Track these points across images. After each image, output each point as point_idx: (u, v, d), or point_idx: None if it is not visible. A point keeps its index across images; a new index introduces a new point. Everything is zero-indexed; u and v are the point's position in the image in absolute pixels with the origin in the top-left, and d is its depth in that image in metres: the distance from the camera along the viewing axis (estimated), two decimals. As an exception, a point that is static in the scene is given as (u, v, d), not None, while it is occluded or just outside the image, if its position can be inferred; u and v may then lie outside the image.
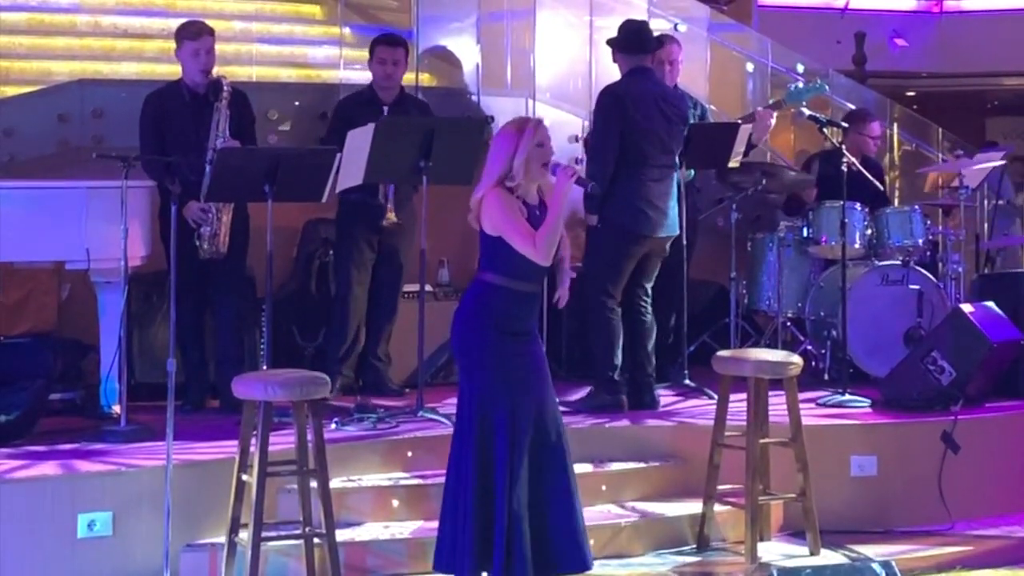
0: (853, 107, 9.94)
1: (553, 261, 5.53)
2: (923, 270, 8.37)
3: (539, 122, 5.59)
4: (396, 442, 6.56)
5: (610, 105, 7.29)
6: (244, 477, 5.58)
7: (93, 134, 8.04)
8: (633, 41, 7.41)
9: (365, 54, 7.98)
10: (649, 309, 7.45)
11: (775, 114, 8.27)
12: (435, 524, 6.01)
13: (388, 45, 7.83)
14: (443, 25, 9.50)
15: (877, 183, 8.66)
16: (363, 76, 8.05)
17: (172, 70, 7.64)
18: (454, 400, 7.43)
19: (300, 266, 8.25)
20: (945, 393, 7.26)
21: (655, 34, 7.82)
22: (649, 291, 7.46)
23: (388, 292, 7.82)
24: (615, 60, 7.52)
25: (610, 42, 7.53)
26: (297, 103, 8.59)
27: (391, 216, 7.46)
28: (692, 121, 7.70)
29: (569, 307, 8.03)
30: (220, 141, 6.99)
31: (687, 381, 7.85)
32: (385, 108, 7.68)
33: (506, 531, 5.38)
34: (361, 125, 7.10)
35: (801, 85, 8.56)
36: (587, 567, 5.53)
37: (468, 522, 5.42)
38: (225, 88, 7.07)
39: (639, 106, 7.24)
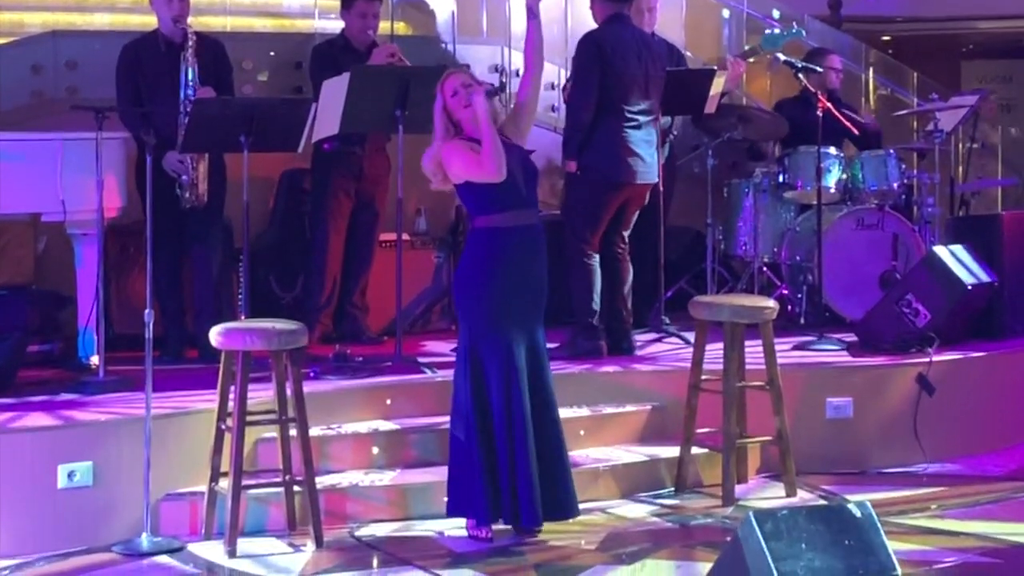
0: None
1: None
2: (898, 214, 8.42)
3: (448, 75, 5.75)
4: (375, 390, 6.59)
5: (590, 52, 7.26)
6: (223, 426, 5.60)
7: (67, 85, 8.01)
8: None
9: (337, 3, 7.94)
10: (627, 256, 7.47)
11: (746, 62, 8.28)
12: (414, 471, 6.11)
13: (370, 0, 7.80)
14: (418, -26, 9.47)
15: (859, 122, 8.69)
16: (338, 25, 8.02)
17: (145, 20, 7.61)
18: (432, 348, 7.54)
19: (277, 216, 8.25)
20: (920, 335, 7.30)
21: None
22: (627, 238, 7.47)
23: (364, 240, 7.84)
24: (592, 7, 7.49)
25: None
26: (272, 53, 8.55)
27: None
28: (669, 68, 7.69)
29: (547, 255, 8.11)
30: (191, 91, 6.97)
31: (664, 326, 7.90)
32: (361, 56, 7.65)
33: (523, 481, 5.49)
34: (346, 71, 7.14)
35: (777, 31, 8.56)
36: (576, 512, 5.76)
37: (479, 474, 5.55)
38: (190, 37, 7.04)
39: (618, 53, 7.22)
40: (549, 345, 7.22)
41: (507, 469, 5.53)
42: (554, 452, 5.70)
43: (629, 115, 7.23)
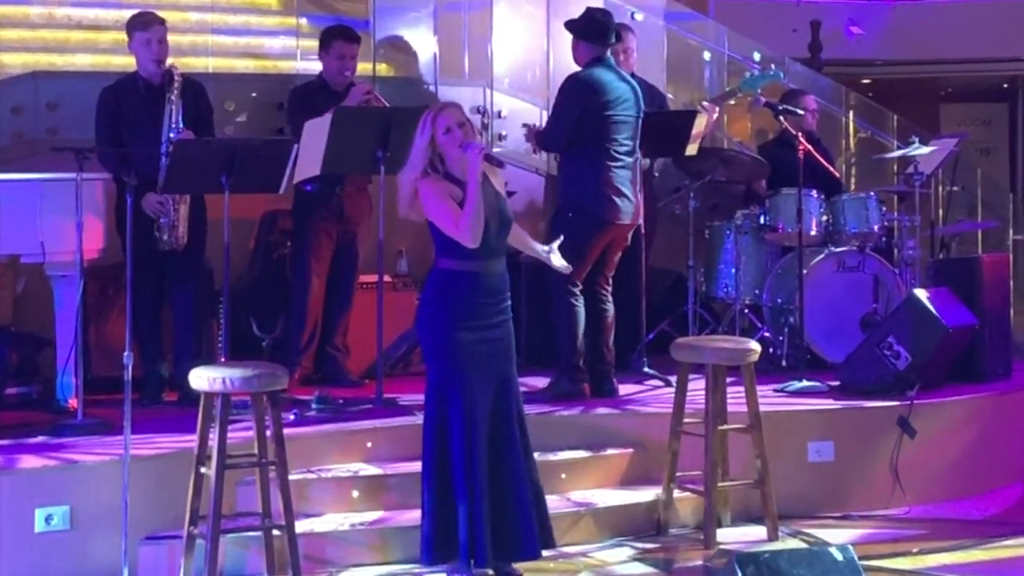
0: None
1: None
2: (879, 256, 8.44)
3: (441, 108, 5.59)
4: (355, 433, 6.56)
5: (574, 91, 7.27)
6: (202, 470, 5.56)
7: (47, 127, 7.99)
8: (597, 30, 7.37)
9: (318, 44, 7.95)
10: (610, 299, 7.47)
11: (719, 106, 8.32)
12: (394, 514, 6.06)
13: (348, 41, 7.81)
14: (400, 15, 9.48)
15: (831, 169, 8.71)
16: (319, 66, 8.03)
17: (127, 62, 7.59)
18: (413, 390, 7.50)
19: (258, 257, 8.22)
20: (901, 378, 7.31)
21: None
22: (610, 280, 7.47)
23: (345, 282, 7.83)
24: (574, 49, 7.48)
25: (571, 28, 7.47)
26: (254, 94, 8.55)
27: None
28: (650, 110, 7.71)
29: (529, 297, 8.12)
30: (174, 133, 6.96)
31: (646, 369, 7.88)
32: (339, 97, 7.66)
33: (468, 520, 5.41)
34: (324, 113, 7.13)
35: (756, 73, 8.58)
36: (536, 555, 5.59)
37: (429, 512, 5.47)
38: (176, 78, 7.04)
39: (603, 94, 7.23)
40: (536, 386, 7.26)
41: (465, 509, 5.45)
42: (519, 493, 5.57)
43: (615, 155, 7.25)
